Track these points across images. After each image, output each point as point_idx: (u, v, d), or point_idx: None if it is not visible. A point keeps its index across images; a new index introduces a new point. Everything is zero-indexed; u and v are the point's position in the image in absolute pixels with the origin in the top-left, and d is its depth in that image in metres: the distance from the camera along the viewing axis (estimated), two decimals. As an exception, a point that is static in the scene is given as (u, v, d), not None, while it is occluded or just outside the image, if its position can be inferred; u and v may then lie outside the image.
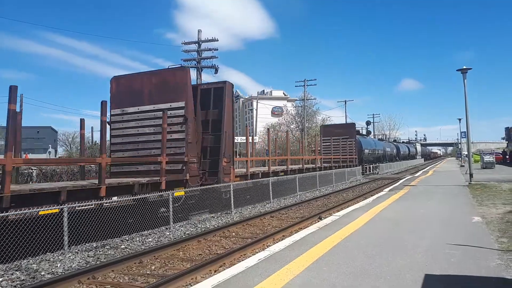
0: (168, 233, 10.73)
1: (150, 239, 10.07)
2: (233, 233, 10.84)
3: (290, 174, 20.75)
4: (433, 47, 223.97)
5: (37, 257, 8.06)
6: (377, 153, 46.48)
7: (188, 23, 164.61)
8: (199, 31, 33.44)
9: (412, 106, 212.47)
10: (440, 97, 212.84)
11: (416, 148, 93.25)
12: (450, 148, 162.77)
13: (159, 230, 11.11)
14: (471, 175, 20.15)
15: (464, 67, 19.33)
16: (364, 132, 60.32)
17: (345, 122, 46.88)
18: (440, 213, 10.40)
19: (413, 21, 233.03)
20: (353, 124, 41.07)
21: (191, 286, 5.49)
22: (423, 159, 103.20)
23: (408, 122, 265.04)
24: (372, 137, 61.17)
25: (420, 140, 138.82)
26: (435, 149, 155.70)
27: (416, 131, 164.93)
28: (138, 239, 10.06)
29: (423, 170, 41.29)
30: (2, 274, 7.00)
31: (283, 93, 75.53)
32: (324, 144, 34.42)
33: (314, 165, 26.75)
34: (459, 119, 42.20)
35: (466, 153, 35.80)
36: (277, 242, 7.89)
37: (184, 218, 12.41)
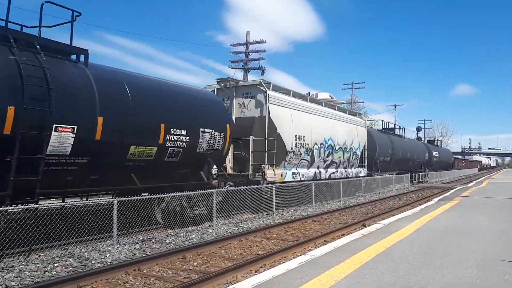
0: (211, 231, 10.96)
1: (194, 235, 10.32)
2: (274, 235, 10.85)
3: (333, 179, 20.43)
4: (489, 52, 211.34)
5: (88, 246, 8.53)
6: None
7: (238, 26, 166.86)
8: (248, 33, 33.78)
9: (466, 113, 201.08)
10: (498, 104, 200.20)
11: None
12: (507, 159, 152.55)
13: (202, 227, 11.36)
14: (530, 188, 18.85)
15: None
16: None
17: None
18: (493, 226, 9.82)
19: (467, 25, 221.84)
20: None
21: (232, 284, 5.57)
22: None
23: (461, 130, 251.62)
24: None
25: (475, 148, 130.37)
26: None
27: (470, 139, 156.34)
28: (182, 234, 10.35)
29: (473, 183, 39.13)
30: (58, 260, 7.47)
31: (330, 96, 74.24)
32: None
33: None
34: (519, 128, 39.58)
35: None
36: (318, 247, 7.82)
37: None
